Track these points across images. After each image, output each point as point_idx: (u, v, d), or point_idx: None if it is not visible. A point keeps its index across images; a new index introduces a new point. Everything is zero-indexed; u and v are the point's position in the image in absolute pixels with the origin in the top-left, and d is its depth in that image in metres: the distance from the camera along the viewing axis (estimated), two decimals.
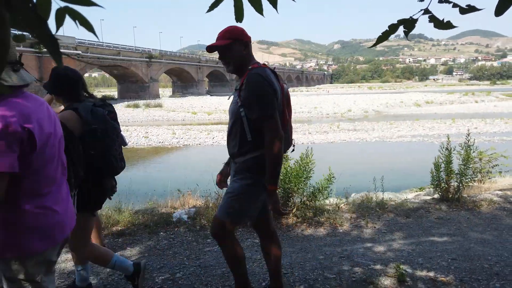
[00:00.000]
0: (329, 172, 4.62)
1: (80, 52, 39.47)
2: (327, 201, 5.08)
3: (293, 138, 2.46)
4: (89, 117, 2.35)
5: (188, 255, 3.63)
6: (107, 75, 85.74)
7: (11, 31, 0.86)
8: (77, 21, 0.91)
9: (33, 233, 1.60)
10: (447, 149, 5.18)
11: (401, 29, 1.57)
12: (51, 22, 0.98)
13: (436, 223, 4.43)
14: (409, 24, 1.54)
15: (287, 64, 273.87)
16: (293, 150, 2.51)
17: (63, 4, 0.90)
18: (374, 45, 1.72)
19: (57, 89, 2.66)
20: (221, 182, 2.54)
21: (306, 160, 4.52)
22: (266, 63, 2.33)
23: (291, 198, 4.52)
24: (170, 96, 58.64)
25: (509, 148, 7.65)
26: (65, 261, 3.50)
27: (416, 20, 1.53)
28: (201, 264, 3.38)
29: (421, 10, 1.50)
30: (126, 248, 3.85)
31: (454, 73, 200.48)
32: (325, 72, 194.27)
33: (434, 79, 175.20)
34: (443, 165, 5.16)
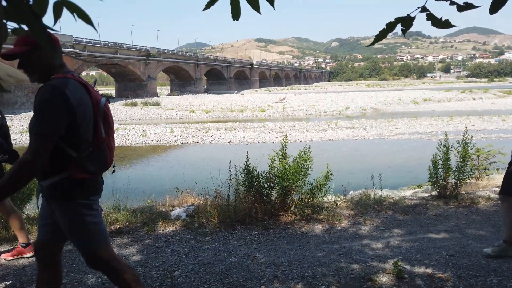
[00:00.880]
0: (327, 169, 4.62)
1: (77, 50, 39.32)
2: (325, 199, 5.10)
3: (113, 160, 2.22)
4: None
5: (186, 253, 3.63)
6: (104, 73, 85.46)
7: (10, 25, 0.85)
8: (75, 14, 0.91)
9: None
10: (445, 146, 5.19)
11: (398, 27, 1.57)
12: (50, 16, 0.98)
13: (434, 220, 4.45)
14: (406, 22, 1.54)
15: (285, 62, 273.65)
16: (114, 171, 2.28)
17: None
18: (372, 43, 1.72)
19: None
20: None
21: (304, 158, 4.53)
22: (74, 75, 2.07)
23: (290, 196, 4.53)
24: (168, 95, 58.54)
25: (506, 145, 7.67)
26: None
27: (413, 18, 1.53)
28: (200, 262, 3.38)
29: (418, 7, 1.50)
30: (124, 246, 3.85)
31: (451, 71, 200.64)
32: (323, 70, 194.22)
33: (431, 77, 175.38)
34: (441, 162, 5.18)
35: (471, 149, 5.38)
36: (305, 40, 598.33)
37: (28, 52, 1.94)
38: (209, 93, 63.62)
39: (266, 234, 4.07)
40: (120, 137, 18.43)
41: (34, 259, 3.50)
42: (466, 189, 5.55)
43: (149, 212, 4.78)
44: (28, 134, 1.85)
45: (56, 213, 1.98)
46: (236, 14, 1.49)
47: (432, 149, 5.86)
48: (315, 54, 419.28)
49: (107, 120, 2.10)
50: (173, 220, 4.49)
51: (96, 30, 0.99)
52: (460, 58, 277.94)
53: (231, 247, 3.75)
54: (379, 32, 1.57)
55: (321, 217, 4.46)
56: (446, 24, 1.51)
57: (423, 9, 1.49)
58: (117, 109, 33.15)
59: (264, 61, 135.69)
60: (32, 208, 4.75)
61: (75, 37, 39.69)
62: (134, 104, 36.11)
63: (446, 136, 5.34)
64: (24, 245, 3.56)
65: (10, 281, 3.15)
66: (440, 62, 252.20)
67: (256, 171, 4.50)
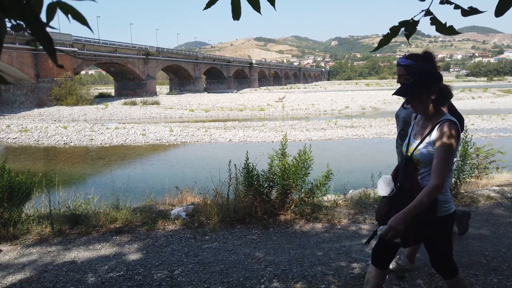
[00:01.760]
0: (327, 168, 4.62)
1: (76, 49, 39.24)
2: (325, 198, 5.10)
3: None
4: None
5: (186, 252, 3.63)
6: (103, 72, 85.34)
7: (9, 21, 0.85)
8: (69, 15, 0.90)
9: None
10: None
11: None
12: (43, 17, 0.98)
13: None
14: (410, 26, 1.52)
15: (285, 61, 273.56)
16: None
17: None
18: (377, 48, 1.71)
19: None
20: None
21: (304, 157, 4.52)
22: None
23: (289, 195, 4.53)
24: (168, 94, 58.47)
25: (506, 144, 7.67)
26: None
27: (417, 22, 1.51)
28: (200, 261, 3.38)
29: (422, 11, 1.48)
30: (124, 245, 3.85)
31: (451, 70, 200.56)
32: (323, 69, 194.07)
33: None
34: None
35: (470, 148, 5.38)
36: (305, 39, 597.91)
37: None
38: (208, 92, 63.56)
39: (266, 233, 4.07)
40: (120, 136, 18.41)
41: (27, 258, 3.51)
42: (466, 188, 5.54)
43: (148, 211, 4.78)
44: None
45: None
46: (236, 14, 1.49)
47: None
48: (314, 53, 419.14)
49: None
50: (173, 219, 4.49)
51: (92, 31, 0.98)
52: (459, 57, 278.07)
53: (231, 246, 3.75)
54: (383, 36, 1.56)
55: (321, 216, 4.46)
56: (450, 30, 1.49)
57: (427, 12, 1.47)
58: (116, 108, 33.11)
59: (264, 60, 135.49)
60: (32, 207, 4.74)
61: (74, 36, 39.59)
62: (133, 103, 36.05)
63: None
64: None
65: (10, 280, 3.14)
66: (439, 61, 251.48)
67: (256, 170, 4.50)
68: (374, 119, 22.92)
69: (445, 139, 1.92)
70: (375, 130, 18.66)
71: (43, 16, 0.95)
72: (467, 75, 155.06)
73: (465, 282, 2.84)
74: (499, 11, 1.39)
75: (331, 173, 4.59)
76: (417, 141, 2.07)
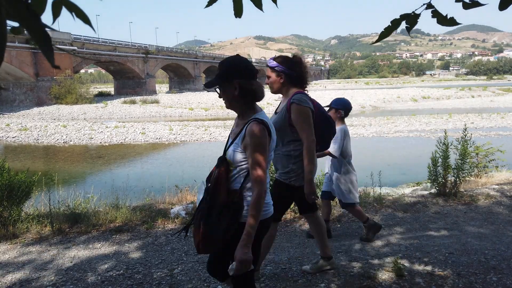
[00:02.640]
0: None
1: (75, 48, 39.16)
2: None
3: None
4: None
5: (186, 250, 3.63)
6: (103, 71, 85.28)
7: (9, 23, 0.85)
8: (73, 13, 0.90)
9: None
10: (444, 144, 5.19)
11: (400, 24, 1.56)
12: (48, 14, 0.97)
13: (433, 218, 4.45)
14: (411, 19, 1.52)
15: None
16: None
17: None
18: (377, 40, 1.70)
19: None
20: None
21: None
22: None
23: None
24: (167, 92, 58.43)
25: (505, 142, 7.68)
26: None
27: (418, 15, 1.51)
28: (199, 260, 3.38)
29: (424, 4, 1.48)
30: (124, 244, 3.84)
31: (451, 68, 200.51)
32: (322, 68, 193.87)
33: (431, 74, 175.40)
34: (440, 160, 5.18)
35: (470, 146, 5.38)
36: (304, 37, 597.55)
37: None
38: (208, 91, 63.47)
39: None
40: (119, 135, 18.41)
41: (27, 257, 3.51)
42: (466, 187, 5.55)
43: (148, 210, 4.78)
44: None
45: None
46: (238, 11, 1.48)
47: (431, 147, 5.86)
48: (314, 51, 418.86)
49: None
50: (173, 218, 4.49)
51: (94, 30, 0.98)
52: (459, 55, 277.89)
53: None
54: (384, 29, 1.55)
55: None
56: (451, 22, 1.49)
57: (429, 5, 1.47)
58: (115, 106, 33.09)
59: (263, 59, 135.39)
60: (31, 206, 4.74)
61: (74, 35, 39.52)
62: (133, 102, 36.03)
63: (445, 133, 5.34)
64: None
65: (10, 279, 3.14)
66: (439, 59, 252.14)
67: None
68: (373, 118, 22.92)
69: (251, 140, 1.79)
70: (375, 129, 18.66)
71: (49, 14, 0.95)
72: (466, 74, 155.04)
73: (465, 280, 2.84)
74: (504, 5, 1.38)
75: None
76: (230, 141, 1.93)
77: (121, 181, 6.32)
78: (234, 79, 1.83)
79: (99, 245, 3.84)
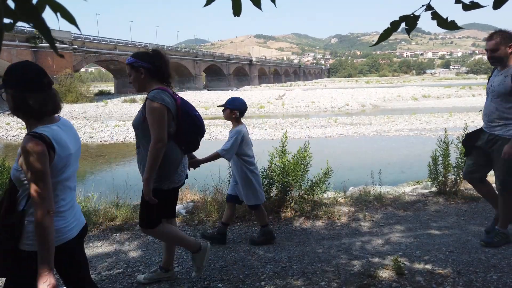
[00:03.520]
0: (327, 166, 4.62)
1: (76, 46, 39.21)
2: (325, 195, 5.10)
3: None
4: None
5: (186, 249, 3.63)
6: (103, 69, 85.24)
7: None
8: (58, 14, 0.89)
9: None
10: (444, 142, 5.19)
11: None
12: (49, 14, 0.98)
13: (433, 216, 4.45)
14: (411, 21, 1.50)
15: (284, 59, 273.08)
16: None
17: None
18: (377, 43, 1.69)
19: None
20: None
21: (303, 154, 4.52)
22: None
23: (289, 192, 4.53)
24: None
25: None
26: None
27: (418, 17, 1.49)
28: None
29: (423, 5, 1.47)
30: (124, 242, 3.85)
31: (451, 67, 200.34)
32: (323, 67, 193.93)
33: (431, 73, 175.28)
34: (440, 159, 5.18)
35: None
36: (305, 36, 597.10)
37: None
38: (208, 90, 63.47)
39: None
40: (120, 134, 18.41)
41: None
42: (466, 186, 5.54)
43: None
44: None
45: None
46: (237, 10, 1.48)
47: (432, 145, 5.85)
48: (314, 50, 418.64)
49: None
50: None
51: (79, 30, 0.97)
52: (459, 54, 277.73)
53: (231, 244, 3.75)
54: (383, 31, 1.54)
55: (320, 213, 4.46)
56: (452, 25, 1.47)
57: (428, 7, 1.46)
58: (116, 105, 33.08)
59: (264, 58, 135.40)
60: None
61: (74, 33, 39.55)
62: (133, 101, 35.99)
63: (445, 132, 5.33)
64: None
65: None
66: (439, 58, 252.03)
67: None
68: (374, 117, 22.90)
69: (24, 157, 1.60)
70: (375, 128, 18.65)
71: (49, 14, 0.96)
72: (467, 73, 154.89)
73: (465, 279, 2.84)
74: (497, 3, 1.38)
75: (331, 171, 4.60)
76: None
77: (121, 179, 6.31)
78: (8, 88, 1.69)
79: (99, 243, 3.85)
